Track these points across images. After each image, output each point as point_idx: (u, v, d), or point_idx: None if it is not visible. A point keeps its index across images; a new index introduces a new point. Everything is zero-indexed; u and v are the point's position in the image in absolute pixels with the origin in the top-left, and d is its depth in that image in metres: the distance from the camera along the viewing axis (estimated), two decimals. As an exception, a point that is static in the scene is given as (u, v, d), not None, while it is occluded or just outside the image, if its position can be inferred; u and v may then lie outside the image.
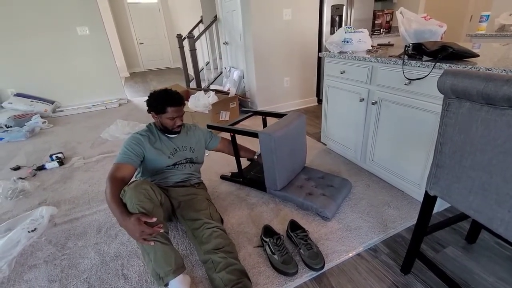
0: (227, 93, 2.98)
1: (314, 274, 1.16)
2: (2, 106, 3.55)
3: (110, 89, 4.30)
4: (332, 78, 1.92)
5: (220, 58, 4.16)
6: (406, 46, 1.34)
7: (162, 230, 1.11)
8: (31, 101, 3.70)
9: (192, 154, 1.53)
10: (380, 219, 1.44)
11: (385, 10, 4.16)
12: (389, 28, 4.21)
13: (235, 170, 1.97)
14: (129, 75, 7.38)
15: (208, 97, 2.56)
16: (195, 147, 1.55)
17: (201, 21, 4.63)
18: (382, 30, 3.99)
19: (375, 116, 1.62)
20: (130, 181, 1.25)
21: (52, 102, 3.90)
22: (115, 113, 3.83)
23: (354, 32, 1.85)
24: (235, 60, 3.62)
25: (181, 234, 1.43)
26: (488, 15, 2.57)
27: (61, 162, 2.30)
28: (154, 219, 1.08)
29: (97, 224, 1.55)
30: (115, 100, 4.26)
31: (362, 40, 1.85)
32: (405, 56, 1.36)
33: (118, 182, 1.21)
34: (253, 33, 2.89)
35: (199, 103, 2.48)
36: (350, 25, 3.33)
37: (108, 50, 4.12)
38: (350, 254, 1.25)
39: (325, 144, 2.27)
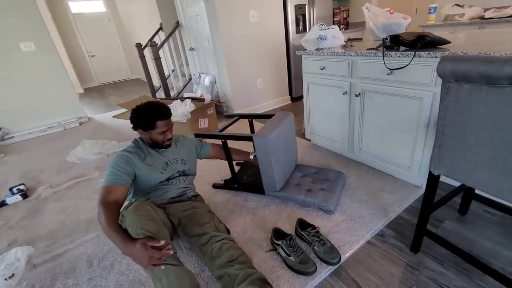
0: (202, 99, 2.89)
1: (332, 268, 1.17)
2: None
3: (67, 108, 3.90)
4: (312, 75, 1.96)
5: (187, 64, 4.04)
6: (384, 38, 1.42)
7: (171, 252, 1.02)
8: (-28, 130, 3.22)
9: (184, 166, 1.45)
10: (379, 205, 1.50)
11: (342, 7, 4.40)
12: (347, 24, 4.46)
13: (227, 176, 1.91)
14: (83, 91, 6.81)
15: (185, 105, 2.46)
16: (186, 158, 1.47)
17: (160, 28, 4.46)
18: (341, 26, 4.22)
19: (359, 108, 1.69)
20: (126, 204, 1.14)
21: (-1, 129, 3.43)
22: (77, 133, 3.50)
23: (328, 29, 1.91)
24: (205, 65, 3.54)
25: (185, 252, 1.34)
26: (436, 7, 2.85)
27: (24, 195, 2.02)
28: (162, 242, 1.00)
29: (86, 257, 1.39)
30: (74, 119, 3.89)
31: (336, 36, 1.92)
32: (384, 48, 1.44)
33: (112, 207, 1.09)
34: (222, 37, 2.85)
35: (176, 112, 2.36)
36: (312, 23, 3.46)
37: (60, 66, 3.74)
38: (361, 243, 1.28)
39: (310, 140, 2.31)
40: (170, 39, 3.71)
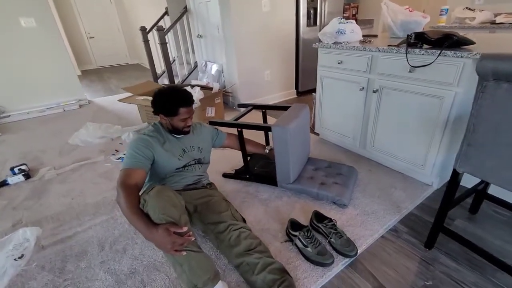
0: (209, 88, 2.85)
1: (348, 261, 1.18)
2: None
3: (67, 89, 3.79)
4: (328, 68, 1.94)
5: (193, 52, 3.95)
6: (408, 35, 1.41)
7: (193, 238, 1.01)
8: (-33, 106, 3.10)
9: (200, 154, 1.43)
10: (391, 201, 1.52)
11: (351, 4, 4.38)
12: (356, 21, 4.43)
13: (236, 166, 1.90)
14: (80, 73, 6.62)
15: (195, 92, 2.42)
16: (202, 146, 1.45)
17: (166, 13, 4.35)
18: (349, 23, 4.19)
19: (375, 104, 1.69)
20: (147, 189, 1.12)
21: (-5, 107, 3.32)
22: (77, 115, 3.41)
23: (347, 22, 1.89)
24: (212, 53, 3.48)
25: (199, 239, 1.33)
26: (447, 9, 2.85)
27: (27, 175, 1.96)
28: (185, 228, 0.98)
29: (97, 240, 1.36)
30: (74, 101, 3.79)
31: (355, 30, 1.90)
32: (407, 45, 1.43)
33: (132, 190, 1.07)
34: (233, 25, 2.80)
35: (185, 99, 2.32)
36: (324, 17, 3.43)
37: (61, 45, 3.62)
38: (375, 237, 1.29)
39: (318, 134, 2.31)
40: (177, 25, 3.62)
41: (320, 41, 1.97)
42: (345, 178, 1.61)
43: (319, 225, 1.27)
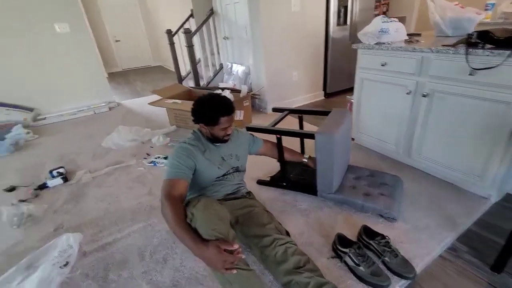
0: (237, 90, 2.81)
1: (405, 283, 1.08)
2: (-28, 117, 3.08)
3: (97, 92, 3.90)
4: (369, 70, 1.83)
5: (217, 53, 3.94)
6: (469, 34, 1.28)
7: (243, 256, 0.96)
8: (7, 109, 3.24)
9: (238, 162, 1.38)
10: (444, 215, 1.39)
11: (382, 1, 4.19)
12: (385, 19, 4.24)
13: (269, 173, 1.84)
14: (107, 76, 6.82)
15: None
16: (239, 154, 1.39)
17: (191, 15, 4.37)
18: (380, 21, 4.01)
19: (424, 109, 1.56)
20: (191, 200, 1.08)
21: (31, 110, 3.46)
22: (107, 118, 3.49)
23: (391, 21, 1.77)
24: (238, 55, 3.44)
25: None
26: (494, 4, 2.63)
27: (65, 178, 2.01)
28: (236, 246, 0.93)
29: (136, 249, 1.35)
30: (104, 104, 3.88)
31: (399, 29, 1.78)
32: (466, 45, 1.30)
33: (177, 202, 1.03)
34: (261, 26, 2.74)
35: (216, 103, 2.28)
36: (355, 15, 3.29)
37: (92, 49, 3.73)
38: (432, 256, 1.18)
39: (353, 139, 2.20)
40: (203, 27, 3.61)
41: (354, 41, 1.86)
42: (391, 189, 1.50)
43: (371, 241, 1.18)
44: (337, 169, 1.45)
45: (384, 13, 4.31)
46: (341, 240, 1.21)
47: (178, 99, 2.80)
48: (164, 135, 2.64)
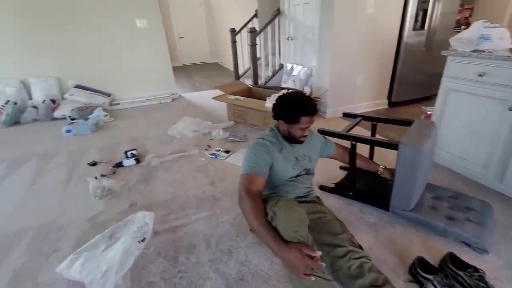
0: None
1: (503, 328, 0.93)
2: (64, 98, 3.56)
3: (163, 84, 4.21)
4: (460, 81, 1.64)
5: (278, 54, 3.94)
6: None
7: (324, 264, 0.92)
8: (90, 93, 3.68)
9: (310, 164, 1.34)
10: (551, 256, 1.18)
11: (465, 5, 3.77)
12: (468, 25, 3.81)
13: (332, 179, 1.77)
14: (169, 69, 7.34)
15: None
16: (312, 156, 1.35)
17: (255, 15, 4.45)
18: (462, 27, 3.62)
19: (532, 129, 1.34)
20: (269, 199, 1.07)
21: (109, 95, 3.87)
22: (171, 108, 3.73)
23: (494, 27, 1.56)
24: (301, 56, 3.40)
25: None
26: None
27: (137, 160, 2.19)
28: (319, 253, 0.90)
29: (203, 236, 1.40)
30: (168, 95, 4.17)
31: (503, 37, 1.56)
32: None
33: (257, 198, 1.04)
34: (333, 27, 2.65)
35: (280, 102, 2.28)
36: (435, 19, 3.01)
37: (164, 44, 4.03)
38: (537, 303, 1.01)
39: (427, 155, 2.00)
40: (269, 27, 3.64)
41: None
42: (480, 216, 1.32)
43: (460, 272, 1.05)
44: (418, 185, 1.32)
45: (466, 18, 3.87)
46: (422, 265, 1.09)
47: (240, 96, 2.87)
48: (223, 129, 2.72)
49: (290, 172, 1.24)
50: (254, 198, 1.02)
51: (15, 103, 3.16)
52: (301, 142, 1.25)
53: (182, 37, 7.67)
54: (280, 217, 0.94)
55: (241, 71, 4.73)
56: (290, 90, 1.27)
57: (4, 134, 2.94)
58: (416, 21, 2.94)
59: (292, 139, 1.24)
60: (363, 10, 2.69)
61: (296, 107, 1.16)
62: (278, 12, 3.58)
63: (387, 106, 3.35)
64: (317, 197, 1.38)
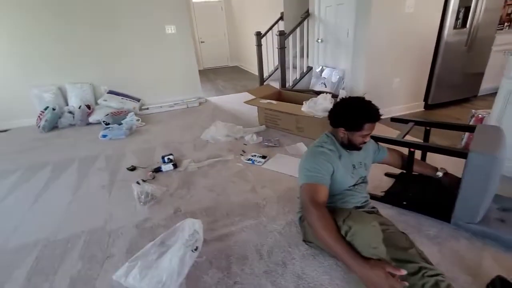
0: (335, 95, 2.70)
1: None
2: (97, 103, 3.67)
3: (190, 88, 4.26)
4: (524, 82, 1.52)
5: (306, 56, 3.88)
6: None
7: (407, 284, 0.86)
8: (122, 98, 3.77)
9: (365, 171, 1.28)
10: None
11: (508, 1, 3.55)
12: (510, 22, 3.59)
13: (380, 187, 1.68)
14: (191, 74, 7.45)
15: (326, 100, 2.30)
16: (367, 162, 1.29)
17: (281, 18, 4.42)
18: (505, 24, 3.42)
19: None
20: (335, 210, 1.02)
21: (138, 100, 3.95)
22: (199, 112, 3.76)
23: None
24: (332, 59, 3.32)
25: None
26: None
27: (175, 165, 2.20)
28: (404, 272, 0.83)
29: (253, 245, 1.36)
30: (194, 99, 4.21)
31: None
32: None
33: (324, 210, 0.99)
34: (369, 28, 2.57)
35: (318, 107, 2.22)
36: (478, 17, 2.84)
37: (191, 49, 4.08)
38: None
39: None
40: (297, 29, 3.59)
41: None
42: (558, 230, 1.20)
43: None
44: (488, 197, 1.22)
45: (508, 15, 3.65)
46: (505, 285, 1.00)
47: (272, 100, 2.83)
48: (256, 134, 2.69)
49: (349, 180, 1.18)
50: (321, 210, 0.97)
51: (54, 109, 3.29)
52: (360, 149, 1.19)
53: (203, 42, 7.77)
54: (357, 232, 0.88)
55: (265, 74, 4.71)
56: (348, 96, 1.19)
57: (44, 139, 3.06)
58: (457, 18, 2.79)
59: (352, 146, 1.18)
60: (401, 9, 2.59)
61: (360, 114, 1.10)
62: (307, 14, 3.52)
63: (423, 109, 3.20)
64: (374, 207, 1.31)
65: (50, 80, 3.49)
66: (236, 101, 4.16)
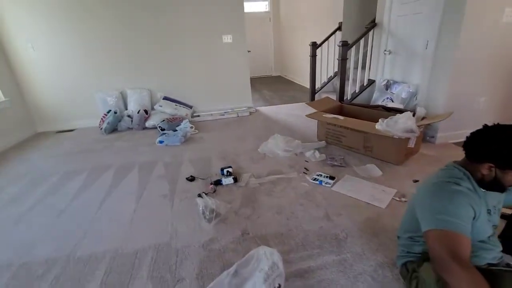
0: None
1: None
2: (153, 108, 3.76)
3: (241, 97, 4.22)
4: None
5: (368, 68, 3.61)
6: None
7: None
8: (176, 105, 3.83)
9: (498, 217, 1.00)
10: None
11: None
12: None
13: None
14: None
15: (406, 118, 2.02)
16: (500, 206, 1.02)
17: (339, 28, 4.22)
18: None
19: None
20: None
21: (191, 107, 3.99)
22: (249, 122, 3.66)
23: None
24: (401, 72, 3.02)
25: None
26: None
27: (235, 179, 2.08)
28: None
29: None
30: (245, 109, 4.15)
31: None
32: None
33: (477, 272, 0.76)
34: (458, 41, 2.25)
35: (398, 126, 1.97)
36: None
37: (245, 58, 4.06)
38: None
39: None
40: (361, 40, 3.36)
41: None
42: None
43: None
44: None
45: None
46: None
47: (336, 114, 2.62)
48: (316, 150, 2.49)
49: (487, 230, 0.93)
50: (472, 272, 0.74)
51: (115, 112, 3.42)
52: (504, 191, 0.93)
53: (249, 51, 7.80)
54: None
55: (317, 86, 4.52)
56: (497, 123, 0.94)
57: (106, 140, 3.18)
58: None
59: (496, 187, 0.92)
60: (498, 18, 2.25)
61: None
62: (374, 24, 3.28)
63: (513, 133, 2.74)
64: (509, 263, 1.03)
65: (114, 85, 3.66)
66: (286, 112, 4.02)
